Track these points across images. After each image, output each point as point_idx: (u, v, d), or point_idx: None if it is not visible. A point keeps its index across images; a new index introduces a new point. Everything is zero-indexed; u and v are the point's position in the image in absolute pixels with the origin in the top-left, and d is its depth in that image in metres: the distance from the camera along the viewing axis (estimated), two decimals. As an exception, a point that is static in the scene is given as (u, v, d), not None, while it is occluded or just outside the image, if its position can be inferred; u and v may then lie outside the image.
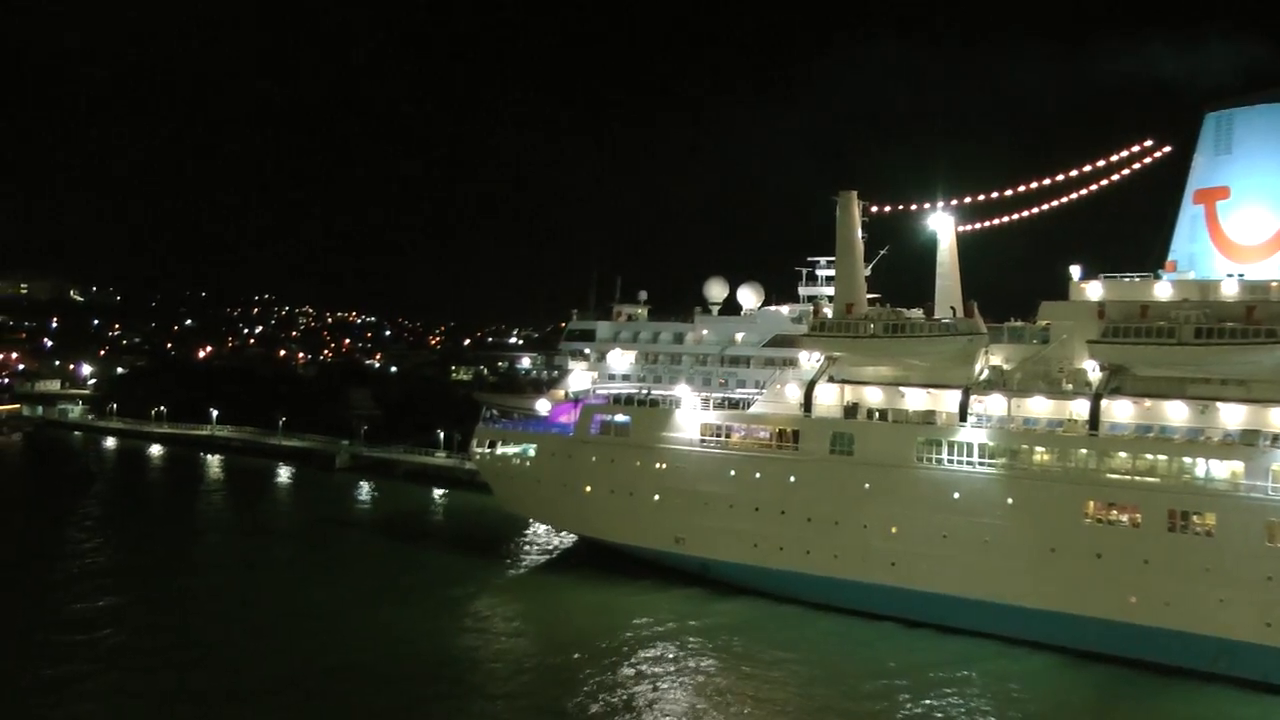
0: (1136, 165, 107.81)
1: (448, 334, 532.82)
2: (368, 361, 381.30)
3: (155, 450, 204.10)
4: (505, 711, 74.75)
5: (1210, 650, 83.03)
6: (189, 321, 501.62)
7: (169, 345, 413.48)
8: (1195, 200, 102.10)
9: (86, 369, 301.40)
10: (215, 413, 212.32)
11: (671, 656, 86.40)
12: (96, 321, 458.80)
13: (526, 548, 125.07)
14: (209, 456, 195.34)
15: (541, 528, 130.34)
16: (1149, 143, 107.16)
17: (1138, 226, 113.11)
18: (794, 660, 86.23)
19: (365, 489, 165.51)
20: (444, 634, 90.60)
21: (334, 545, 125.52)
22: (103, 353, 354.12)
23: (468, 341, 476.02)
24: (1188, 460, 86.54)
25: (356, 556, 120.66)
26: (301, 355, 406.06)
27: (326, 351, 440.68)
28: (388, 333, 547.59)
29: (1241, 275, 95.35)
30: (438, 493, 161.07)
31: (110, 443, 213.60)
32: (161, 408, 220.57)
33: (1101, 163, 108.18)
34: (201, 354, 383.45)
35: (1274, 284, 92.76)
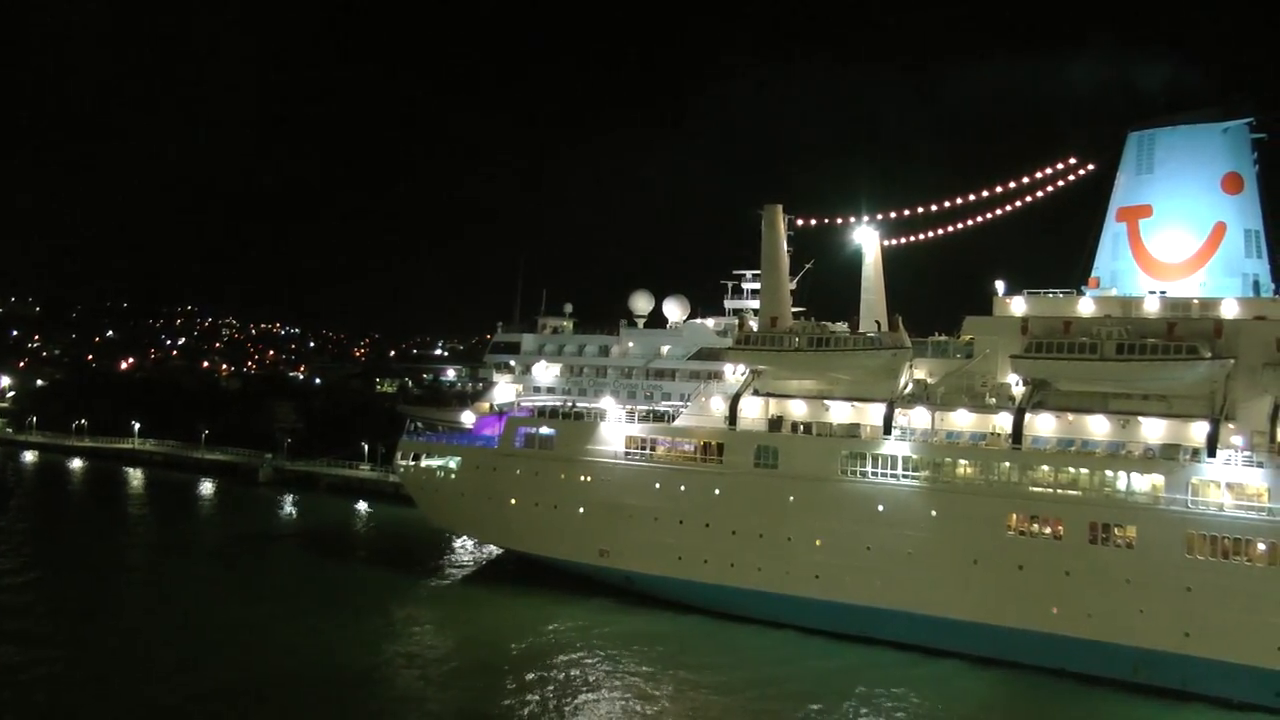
0: (1060, 183, 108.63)
1: (372, 346, 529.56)
2: (292, 374, 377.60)
3: (76, 464, 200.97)
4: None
5: (1130, 660, 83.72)
6: (110, 333, 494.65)
7: (90, 357, 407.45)
8: (1118, 218, 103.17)
9: (5, 381, 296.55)
10: (137, 426, 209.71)
11: (595, 670, 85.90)
12: (15, 333, 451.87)
13: (451, 561, 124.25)
14: (131, 470, 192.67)
15: (466, 541, 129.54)
16: (1073, 160, 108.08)
17: (1061, 243, 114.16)
18: (717, 673, 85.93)
19: (289, 502, 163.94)
20: (368, 648, 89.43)
21: (258, 559, 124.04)
22: (21, 365, 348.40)
23: (393, 353, 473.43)
24: (1109, 474, 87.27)
25: (280, 570, 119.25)
26: (225, 367, 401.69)
27: (250, 363, 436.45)
28: (312, 344, 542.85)
29: (1163, 292, 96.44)
30: (362, 506, 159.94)
31: (29, 457, 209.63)
32: (82, 421, 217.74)
33: (1025, 180, 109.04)
34: (123, 366, 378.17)
35: (1195, 301, 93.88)
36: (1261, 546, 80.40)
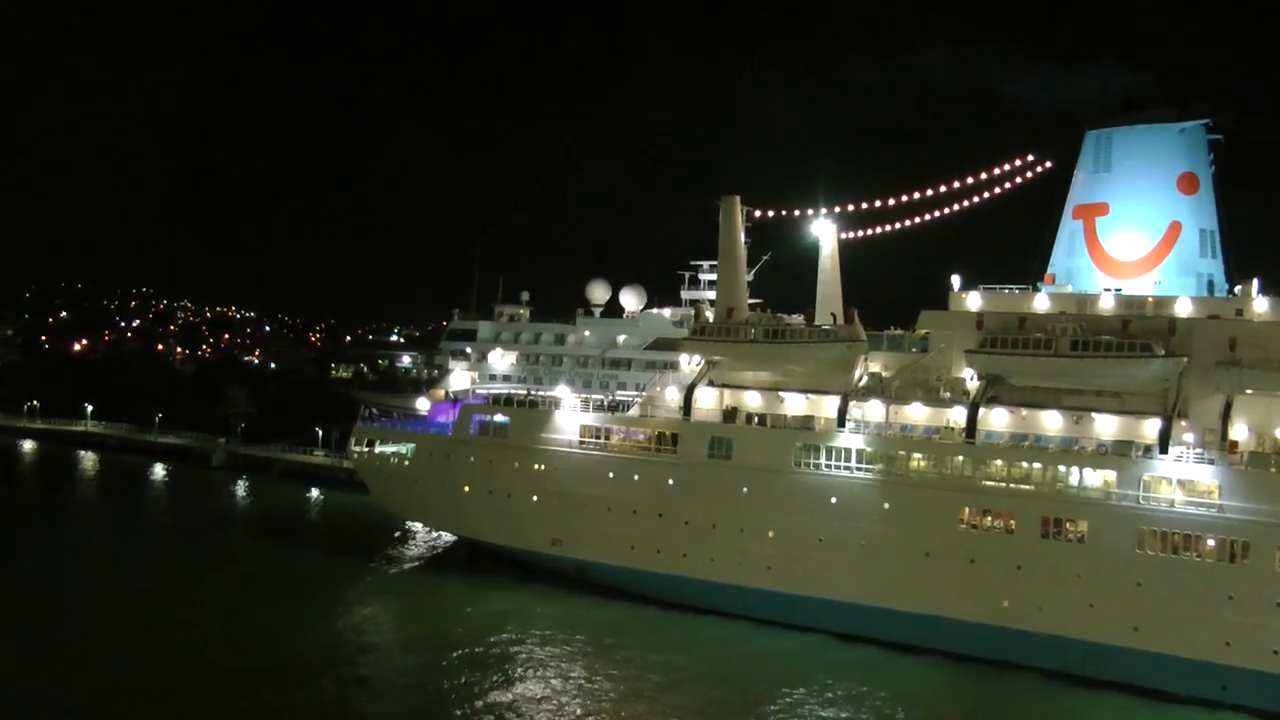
0: (1018, 179, 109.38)
1: (328, 331, 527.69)
2: (246, 358, 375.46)
3: (28, 446, 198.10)
4: (378, 713, 73.47)
5: (1079, 653, 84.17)
6: (64, 314, 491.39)
7: (43, 338, 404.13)
8: (1075, 215, 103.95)
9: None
10: (90, 408, 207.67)
11: (543, 657, 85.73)
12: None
13: (404, 548, 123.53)
14: (83, 453, 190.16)
15: (419, 528, 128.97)
16: (1030, 158, 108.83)
17: (1018, 240, 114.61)
18: (667, 662, 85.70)
19: (242, 487, 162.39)
20: (319, 634, 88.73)
21: (207, 545, 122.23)
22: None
23: (348, 339, 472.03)
24: (1062, 469, 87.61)
25: (232, 556, 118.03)
26: (180, 350, 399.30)
27: (205, 347, 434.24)
28: (267, 329, 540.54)
29: (1118, 290, 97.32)
30: (315, 492, 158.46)
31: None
32: (35, 402, 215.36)
33: (983, 176, 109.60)
34: (77, 348, 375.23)
35: (1149, 299, 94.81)
36: (1211, 543, 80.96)
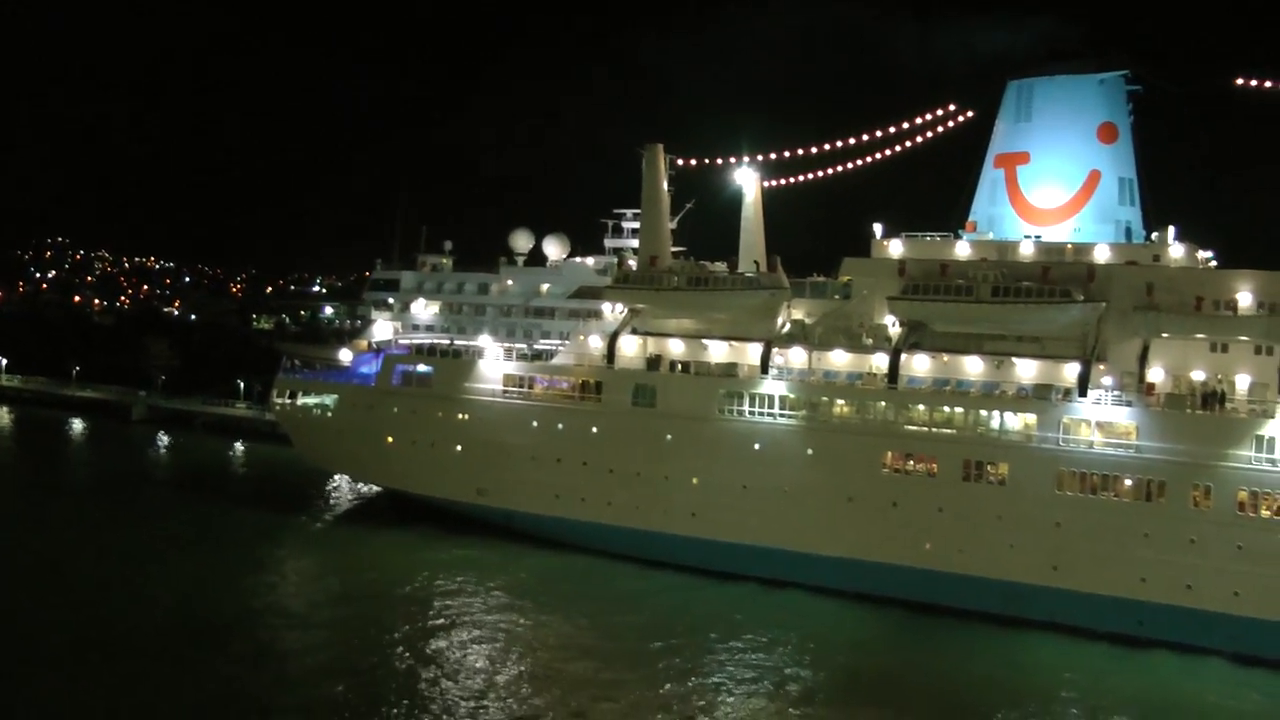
0: (940, 129, 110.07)
1: (249, 281, 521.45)
2: (166, 309, 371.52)
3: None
4: (303, 668, 72.45)
5: (1000, 593, 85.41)
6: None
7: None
8: (996, 164, 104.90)
9: None
10: (4, 361, 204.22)
11: (473, 607, 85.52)
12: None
13: (328, 500, 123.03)
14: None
15: (344, 480, 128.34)
16: (952, 107, 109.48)
17: (940, 188, 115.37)
18: (592, 610, 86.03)
19: (163, 441, 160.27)
20: (242, 589, 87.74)
21: (130, 500, 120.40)
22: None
23: (270, 290, 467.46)
24: (983, 413, 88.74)
25: (153, 511, 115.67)
26: (98, 302, 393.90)
27: (123, 299, 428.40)
28: (187, 279, 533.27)
29: (1038, 237, 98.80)
30: (238, 445, 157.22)
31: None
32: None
33: (906, 125, 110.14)
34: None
35: (1069, 246, 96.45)
36: (1128, 482, 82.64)
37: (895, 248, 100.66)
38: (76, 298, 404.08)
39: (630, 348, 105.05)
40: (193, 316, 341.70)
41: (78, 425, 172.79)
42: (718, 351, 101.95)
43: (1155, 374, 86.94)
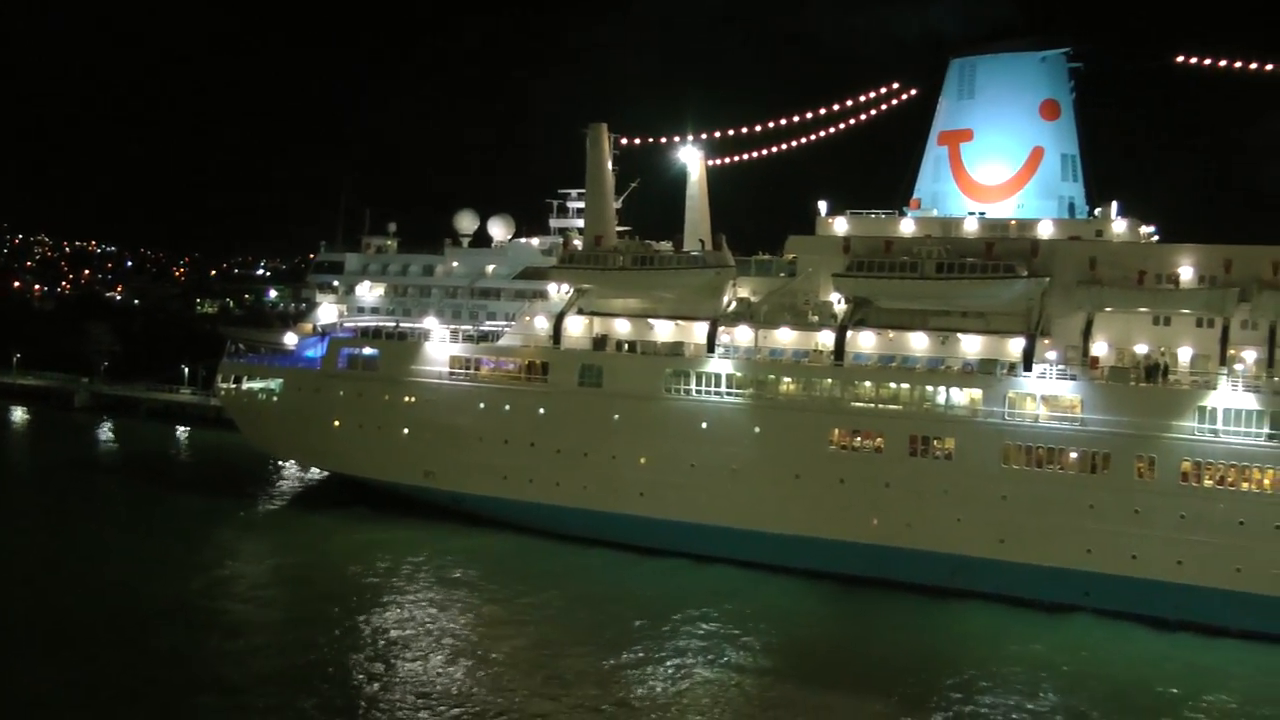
0: (884, 106, 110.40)
1: (193, 265, 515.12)
2: (108, 294, 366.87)
3: None
4: (250, 655, 71.53)
5: (948, 567, 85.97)
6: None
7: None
8: (940, 142, 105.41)
9: None
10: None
11: (420, 589, 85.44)
12: None
13: (274, 486, 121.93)
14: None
15: (290, 465, 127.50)
16: (896, 85, 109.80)
17: (884, 166, 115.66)
18: (540, 591, 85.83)
19: (106, 428, 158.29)
20: (187, 577, 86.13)
21: (73, 488, 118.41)
22: None
23: (213, 273, 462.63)
24: (929, 388, 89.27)
25: (97, 499, 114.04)
26: (37, 287, 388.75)
27: (64, 284, 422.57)
28: (129, 264, 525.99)
29: (982, 214, 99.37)
30: (182, 431, 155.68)
31: None
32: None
33: (850, 102, 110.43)
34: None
35: (1012, 222, 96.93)
36: (1073, 455, 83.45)
37: (840, 225, 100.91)
38: (15, 283, 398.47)
39: (576, 328, 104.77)
40: (136, 301, 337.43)
41: (19, 414, 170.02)
42: (664, 331, 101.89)
43: (1099, 348, 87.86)
